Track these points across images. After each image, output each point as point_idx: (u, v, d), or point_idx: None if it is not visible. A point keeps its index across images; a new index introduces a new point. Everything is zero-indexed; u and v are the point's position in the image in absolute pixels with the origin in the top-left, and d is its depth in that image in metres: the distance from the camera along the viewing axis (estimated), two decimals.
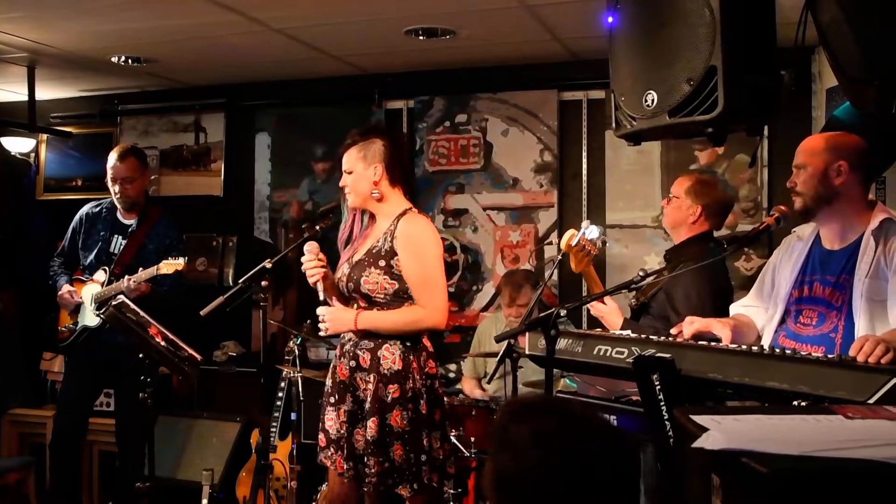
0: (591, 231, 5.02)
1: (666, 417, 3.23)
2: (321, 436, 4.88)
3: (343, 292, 4.88)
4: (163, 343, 5.15)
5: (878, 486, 1.70)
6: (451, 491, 5.62)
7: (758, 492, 1.72)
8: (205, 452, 7.16)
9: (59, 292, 6.72)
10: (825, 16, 3.83)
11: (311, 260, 4.79)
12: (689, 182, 5.22)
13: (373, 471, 4.63)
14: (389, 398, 4.64)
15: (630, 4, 4.09)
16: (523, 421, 2.07)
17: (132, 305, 5.21)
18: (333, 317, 4.78)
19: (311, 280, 4.81)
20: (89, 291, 6.64)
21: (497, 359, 5.67)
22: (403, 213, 4.77)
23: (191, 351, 5.23)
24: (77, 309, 6.70)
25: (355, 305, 4.82)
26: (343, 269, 4.86)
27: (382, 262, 4.68)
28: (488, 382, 6.60)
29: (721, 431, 1.92)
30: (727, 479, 1.83)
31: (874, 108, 3.96)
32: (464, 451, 5.81)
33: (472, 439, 5.87)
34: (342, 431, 4.75)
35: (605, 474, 2.01)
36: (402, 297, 4.71)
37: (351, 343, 4.80)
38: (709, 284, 4.88)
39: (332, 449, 4.82)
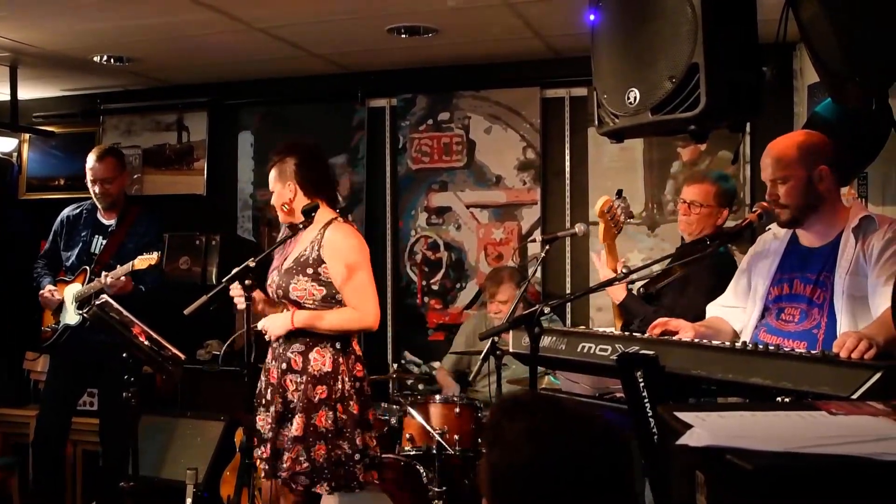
0: (622, 201, 5.08)
1: (650, 414, 3.24)
2: (256, 437, 4.95)
3: (273, 299, 5.05)
4: (146, 342, 5.14)
5: (862, 483, 1.70)
6: (437, 489, 5.64)
7: (742, 488, 1.72)
8: (189, 451, 7.14)
9: (41, 292, 6.73)
10: (806, 12, 3.85)
11: (235, 288, 4.87)
12: (713, 189, 5.25)
13: (285, 465, 4.79)
14: (317, 399, 4.81)
15: (612, 2, 4.10)
16: (516, 418, 2.06)
17: (115, 305, 5.21)
18: (271, 323, 4.94)
19: (239, 306, 4.91)
20: (71, 291, 6.66)
21: (481, 356, 5.68)
22: (329, 223, 4.95)
23: (174, 350, 5.23)
24: (59, 309, 6.71)
25: (284, 310, 4.98)
26: (273, 277, 5.04)
27: (310, 270, 4.87)
28: (472, 380, 6.60)
29: (705, 428, 1.92)
30: (712, 475, 1.83)
31: (856, 104, 3.99)
32: (448, 449, 5.80)
33: (457, 437, 5.87)
34: (269, 432, 4.88)
35: (599, 472, 2.01)
36: (329, 301, 4.89)
37: (282, 347, 4.94)
38: (722, 284, 4.88)
39: (261, 448, 4.93)
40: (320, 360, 4.84)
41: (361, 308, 4.88)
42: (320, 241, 4.89)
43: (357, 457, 4.83)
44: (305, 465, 4.77)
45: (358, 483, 4.83)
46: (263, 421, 4.94)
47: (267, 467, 4.87)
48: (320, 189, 5.06)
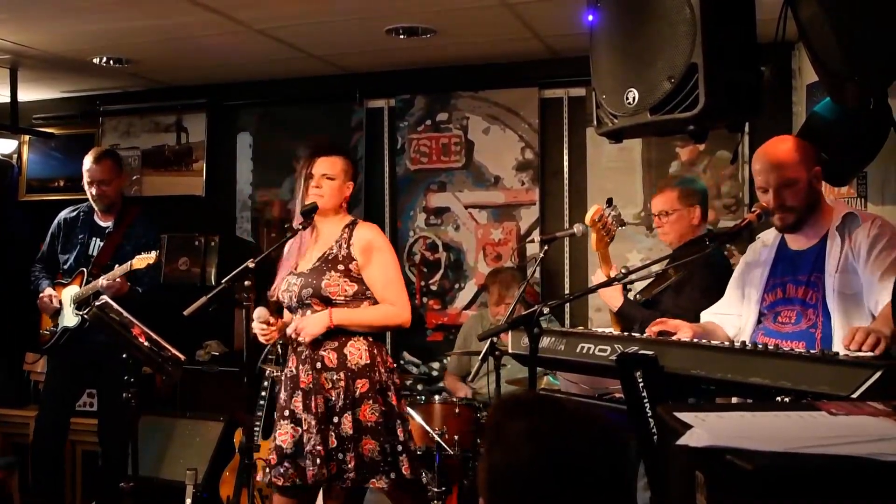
0: (613, 209, 5.08)
1: (649, 415, 3.23)
2: (273, 455, 4.91)
3: (292, 303, 4.99)
4: (146, 343, 5.13)
5: (862, 483, 1.70)
6: (436, 489, 5.63)
7: (742, 488, 1.72)
8: (188, 452, 7.15)
9: (40, 296, 6.73)
10: (805, 12, 3.85)
11: (261, 325, 4.90)
12: (674, 193, 5.28)
13: (350, 466, 4.74)
14: (358, 393, 4.81)
15: (610, 2, 4.10)
16: (517, 418, 2.06)
17: (115, 305, 5.19)
18: (307, 322, 4.86)
19: (262, 340, 4.95)
20: (69, 293, 6.66)
21: (480, 357, 5.68)
22: (353, 223, 5.03)
23: (174, 351, 5.21)
24: (57, 311, 6.70)
25: (309, 312, 4.92)
26: (290, 280, 5.00)
27: (341, 267, 4.90)
28: (472, 380, 6.60)
29: (705, 428, 1.92)
30: (711, 476, 1.83)
31: (855, 103, 3.98)
32: (448, 449, 5.80)
33: (457, 437, 5.86)
34: (305, 440, 4.81)
35: (599, 472, 2.00)
36: (360, 298, 4.92)
37: (310, 348, 4.88)
38: (718, 282, 4.88)
39: (286, 464, 4.86)
40: (356, 353, 4.85)
41: (398, 303, 4.95)
42: (348, 240, 4.95)
43: (400, 448, 4.85)
44: (355, 462, 4.75)
45: (402, 477, 4.84)
46: (286, 434, 4.87)
47: (318, 477, 4.76)
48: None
